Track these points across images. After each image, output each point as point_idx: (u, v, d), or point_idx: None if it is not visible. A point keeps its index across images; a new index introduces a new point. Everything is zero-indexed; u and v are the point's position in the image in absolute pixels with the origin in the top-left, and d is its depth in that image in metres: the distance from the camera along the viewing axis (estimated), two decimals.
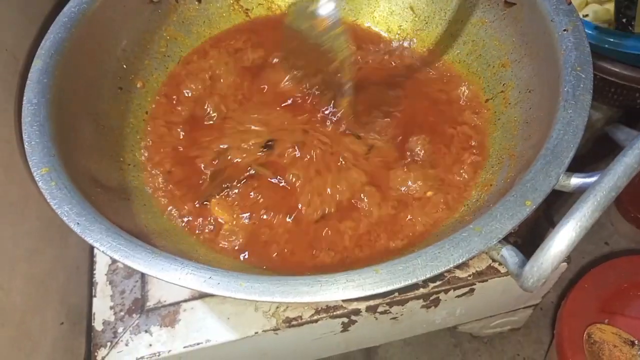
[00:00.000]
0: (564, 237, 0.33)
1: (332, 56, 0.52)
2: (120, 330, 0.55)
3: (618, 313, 0.63)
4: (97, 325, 0.56)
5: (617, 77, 0.73)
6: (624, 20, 0.75)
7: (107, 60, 0.57)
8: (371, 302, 0.55)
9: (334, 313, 0.55)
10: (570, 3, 0.49)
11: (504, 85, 0.57)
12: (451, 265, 0.36)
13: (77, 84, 0.53)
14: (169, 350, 0.54)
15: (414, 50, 0.66)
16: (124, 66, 0.59)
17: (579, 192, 0.39)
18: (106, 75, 0.57)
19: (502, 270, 0.55)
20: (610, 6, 0.77)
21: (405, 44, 0.67)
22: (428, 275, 0.36)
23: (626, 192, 0.36)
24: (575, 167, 0.41)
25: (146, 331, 0.55)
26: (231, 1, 0.69)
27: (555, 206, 0.63)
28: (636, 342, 0.60)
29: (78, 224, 0.40)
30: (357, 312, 0.55)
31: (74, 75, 0.52)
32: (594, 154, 0.79)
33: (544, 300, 0.69)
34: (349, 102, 0.55)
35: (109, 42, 0.58)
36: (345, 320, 0.56)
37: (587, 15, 0.79)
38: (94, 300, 0.58)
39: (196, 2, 0.66)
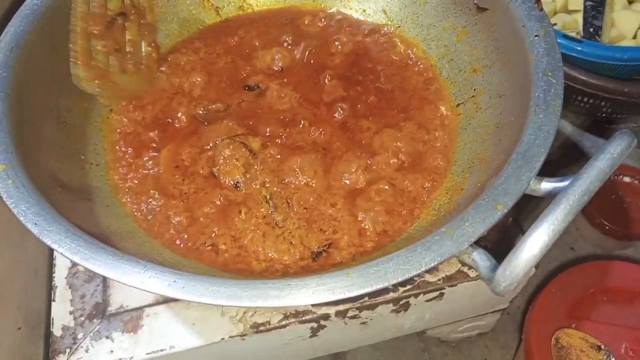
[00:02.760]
0: (536, 241, 0.33)
1: None
2: (80, 336, 0.53)
3: (585, 318, 0.64)
4: (56, 330, 0.54)
5: (584, 85, 0.75)
6: (591, 29, 0.76)
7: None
8: (341, 307, 0.54)
9: (303, 318, 0.54)
10: (542, 9, 0.49)
11: (475, 90, 0.57)
12: (423, 269, 0.36)
13: (38, 79, 0.51)
14: (131, 357, 0.52)
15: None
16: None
17: (549, 197, 0.39)
18: (68, 71, 0.55)
19: (472, 274, 0.55)
20: (578, 16, 0.79)
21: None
22: (400, 279, 0.35)
23: (591, 197, 0.36)
24: (544, 172, 0.41)
25: (107, 337, 0.53)
26: None
27: (524, 213, 0.64)
28: (602, 346, 0.61)
29: (36, 224, 0.39)
30: (326, 316, 0.54)
31: (35, 70, 0.51)
32: (561, 160, 0.80)
33: (511, 304, 0.70)
34: None
35: None
36: (315, 325, 0.55)
37: (555, 24, 0.80)
38: (53, 304, 0.55)
39: None
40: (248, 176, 0.53)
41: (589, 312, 0.65)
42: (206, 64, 0.64)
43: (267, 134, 0.57)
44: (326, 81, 0.61)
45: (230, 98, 0.60)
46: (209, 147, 0.55)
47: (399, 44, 0.65)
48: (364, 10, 0.68)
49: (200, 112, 0.59)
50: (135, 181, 0.54)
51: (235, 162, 0.53)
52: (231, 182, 0.53)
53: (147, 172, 0.55)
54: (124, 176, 0.54)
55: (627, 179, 0.80)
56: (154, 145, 0.57)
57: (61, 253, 0.37)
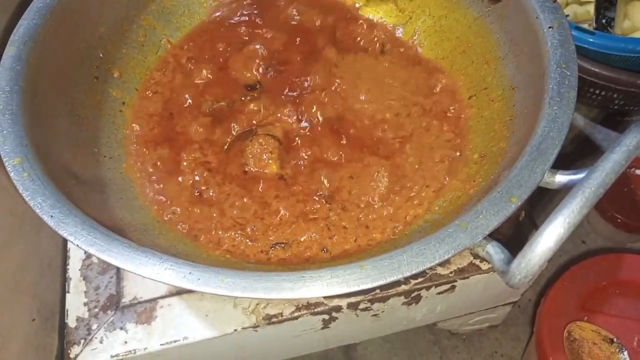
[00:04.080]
0: (552, 234, 0.32)
1: None
2: (94, 327, 0.54)
3: (597, 311, 0.64)
4: (71, 322, 0.54)
5: (597, 77, 0.74)
6: (603, 21, 0.76)
7: (84, 49, 0.55)
8: (352, 299, 0.54)
9: (315, 310, 0.54)
10: (555, 0, 0.49)
11: (487, 82, 0.57)
12: (437, 261, 0.36)
13: (52, 72, 0.51)
14: (145, 348, 0.52)
15: (399, 43, 0.66)
16: (101, 55, 0.57)
17: (563, 190, 0.39)
18: (82, 63, 0.55)
19: (484, 267, 0.55)
20: (590, 7, 0.78)
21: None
22: (414, 272, 0.35)
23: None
24: (557, 165, 0.41)
25: (121, 328, 0.53)
26: None
27: (537, 207, 0.64)
28: (615, 339, 0.61)
29: (52, 216, 0.39)
30: (338, 309, 0.55)
31: (48, 63, 0.51)
32: (574, 153, 0.80)
33: (522, 297, 0.69)
34: None
35: (85, 29, 0.56)
36: (326, 317, 0.56)
37: (567, 16, 0.79)
38: (67, 296, 0.56)
39: None
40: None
41: (601, 305, 0.64)
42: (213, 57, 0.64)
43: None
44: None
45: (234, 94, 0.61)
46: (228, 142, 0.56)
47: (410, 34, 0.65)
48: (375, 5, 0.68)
49: (207, 110, 0.59)
50: (149, 173, 0.54)
51: (270, 154, 0.54)
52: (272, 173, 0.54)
53: (161, 164, 0.55)
54: (137, 168, 0.55)
55: (639, 172, 0.79)
56: (167, 139, 0.57)
57: (77, 245, 0.37)
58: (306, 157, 0.55)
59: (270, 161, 0.54)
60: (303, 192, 0.53)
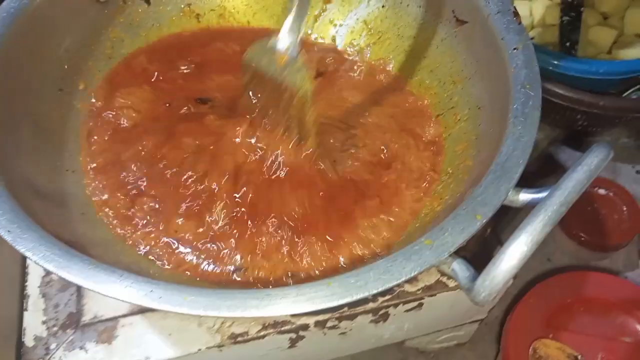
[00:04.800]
0: (515, 251, 0.33)
1: (293, 92, 0.51)
2: (53, 346, 0.52)
3: (562, 328, 0.64)
4: (28, 341, 0.52)
5: (560, 99, 0.76)
6: (567, 43, 0.78)
7: (48, 60, 0.54)
8: (320, 317, 0.54)
9: (282, 328, 0.53)
10: (520, 22, 0.50)
11: (454, 101, 0.58)
12: (403, 279, 0.36)
13: (15, 83, 0.50)
14: None
15: (369, 62, 0.66)
16: (66, 67, 0.56)
17: (527, 208, 0.40)
18: (47, 75, 0.54)
19: (451, 284, 0.56)
20: (555, 30, 0.80)
21: (357, 58, 0.67)
22: (380, 289, 0.35)
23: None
24: (522, 183, 0.41)
25: (81, 347, 0.52)
26: (182, 6, 0.67)
27: (502, 224, 0.64)
28: (579, 356, 0.61)
29: (9, 231, 0.38)
30: (305, 327, 0.54)
31: (11, 74, 0.50)
32: (538, 172, 0.81)
33: (489, 314, 0.70)
34: (313, 139, 0.54)
35: (50, 41, 0.55)
36: (294, 335, 0.55)
37: (532, 38, 0.81)
38: (25, 314, 0.54)
39: (145, 4, 0.64)
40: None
41: (566, 322, 0.65)
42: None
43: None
44: None
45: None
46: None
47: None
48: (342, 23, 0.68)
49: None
50: (110, 188, 0.53)
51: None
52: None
53: (124, 177, 0.54)
54: (99, 183, 0.53)
55: (602, 191, 0.81)
56: (132, 152, 0.56)
57: (35, 261, 0.36)
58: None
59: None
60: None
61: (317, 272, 0.49)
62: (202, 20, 0.68)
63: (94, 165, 0.54)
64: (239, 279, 0.48)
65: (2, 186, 0.40)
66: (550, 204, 0.34)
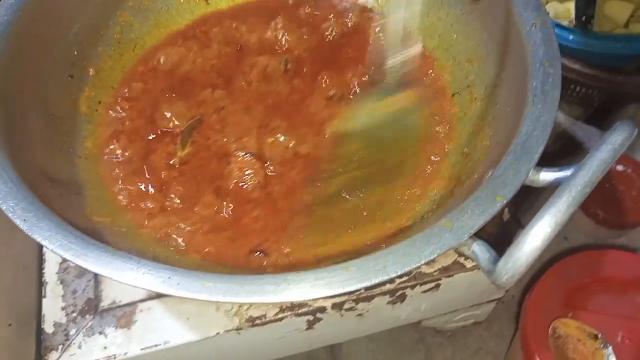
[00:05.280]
0: (539, 233, 0.32)
1: None
2: (72, 332, 0.52)
3: (581, 307, 0.64)
4: (48, 327, 0.53)
5: (577, 75, 0.74)
6: (583, 18, 0.76)
7: (58, 46, 0.54)
8: (337, 300, 0.54)
9: (299, 311, 0.53)
10: None
11: (470, 80, 0.57)
12: (422, 262, 0.35)
13: (25, 70, 0.50)
14: (125, 353, 0.51)
15: None
16: (76, 52, 0.56)
17: (549, 188, 0.39)
18: (57, 61, 0.54)
19: (468, 265, 0.55)
20: (570, 5, 0.78)
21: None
22: (399, 273, 0.35)
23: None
24: (540, 163, 0.40)
25: (100, 333, 0.52)
26: None
27: (522, 206, 0.64)
28: (599, 335, 0.61)
29: (25, 220, 0.37)
30: (322, 309, 0.54)
31: (21, 61, 0.49)
32: (557, 152, 0.80)
33: (505, 294, 0.70)
34: None
35: (59, 26, 0.54)
36: (311, 318, 0.55)
37: (547, 13, 0.79)
38: (44, 300, 0.54)
39: None
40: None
41: (584, 301, 0.65)
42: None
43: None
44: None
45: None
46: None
47: None
48: None
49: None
50: (126, 174, 0.53)
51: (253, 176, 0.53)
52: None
53: (138, 164, 0.53)
54: (114, 169, 0.53)
55: (619, 168, 0.80)
56: (145, 138, 0.56)
57: (52, 250, 0.36)
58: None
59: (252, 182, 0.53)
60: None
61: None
62: (211, 2, 0.67)
63: (108, 150, 0.54)
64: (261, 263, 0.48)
65: (16, 175, 0.40)
66: (575, 184, 0.33)
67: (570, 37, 0.72)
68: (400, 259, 0.35)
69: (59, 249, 0.36)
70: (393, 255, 0.35)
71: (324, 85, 0.59)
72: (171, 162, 0.54)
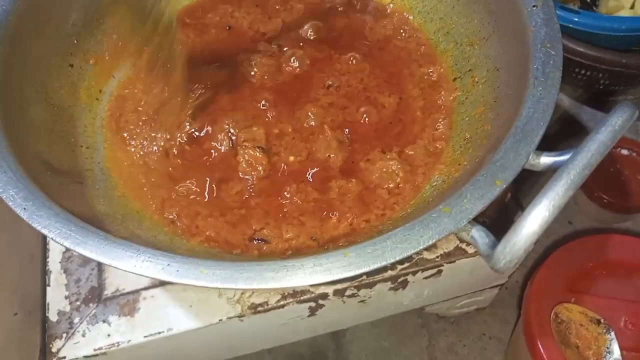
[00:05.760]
0: (537, 217, 0.32)
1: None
2: (76, 320, 0.53)
3: (584, 292, 0.63)
4: (52, 315, 0.53)
5: (582, 57, 0.73)
6: (589, 0, 0.75)
7: (57, 35, 0.54)
8: (339, 286, 0.54)
9: (301, 298, 0.53)
10: None
11: (472, 63, 0.56)
12: (421, 247, 0.35)
13: (25, 60, 0.50)
14: (129, 340, 0.51)
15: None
16: (75, 41, 0.56)
17: (548, 171, 0.39)
18: (56, 51, 0.54)
19: (470, 251, 0.55)
20: None
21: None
22: (397, 258, 0.35)
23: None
24: (543, 147, 0.40)
25: (104, 321, 0.52)
26: None
27: (523, 189, 0.63)
28: (602, 320, 0.61)
29: (25, 209, 0.38)
30: (324, 296, 0.54)
31: (20, 51, 0.49)
32: (559, 134, 0.79)
33: (509, 279, 0.69)
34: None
35: (58, 15, 0.54)
36: (313, 304, 0.55)
37: None
38: (48, 289, 0.55)
39: None
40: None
41: (588, 286, 0.64)
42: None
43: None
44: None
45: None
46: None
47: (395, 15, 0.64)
48: None
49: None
50: (128, 163, 0.53)
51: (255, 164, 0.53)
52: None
53: (141, 153, 0.53)
54: (116, 157, 0.53)
55: (624, 152, 0.79)
56: (147, 126, 0.56)
57: (52, 238, 0.36)
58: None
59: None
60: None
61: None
62: None
63: (109, 140, 0.54)
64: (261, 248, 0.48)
65: (16, 164, 0.40)
66: (573, 167, 0.33)
67: (576, 18, 0.71)
68: (398, 244, 0.35)
69: (59, 237, 0.36)
70: (391, 240, 0.35)
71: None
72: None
